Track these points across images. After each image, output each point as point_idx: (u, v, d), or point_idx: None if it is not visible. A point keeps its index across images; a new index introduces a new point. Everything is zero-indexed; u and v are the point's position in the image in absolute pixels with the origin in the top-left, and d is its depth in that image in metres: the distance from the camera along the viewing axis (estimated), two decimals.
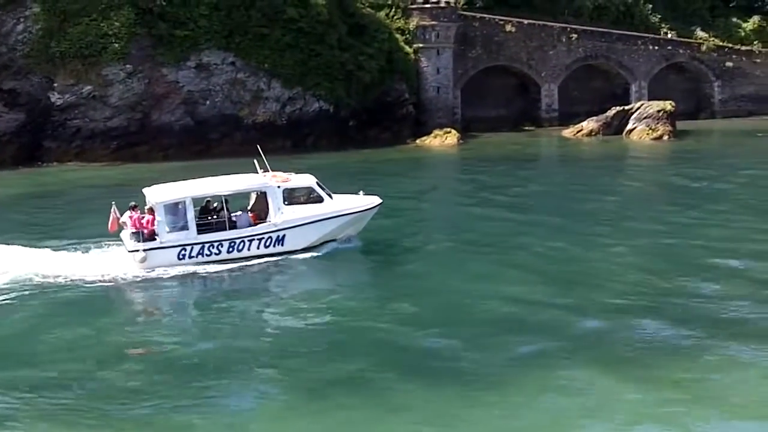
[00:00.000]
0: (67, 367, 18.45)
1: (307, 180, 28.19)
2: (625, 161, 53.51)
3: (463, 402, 16.30)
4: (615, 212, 34.94)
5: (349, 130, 59.21)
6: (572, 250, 28.06)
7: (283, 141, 55.83)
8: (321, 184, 28.15)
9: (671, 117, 62.18)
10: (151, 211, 26.17)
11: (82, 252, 27.16)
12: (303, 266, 26.45)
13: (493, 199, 39.00)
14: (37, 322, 21.32)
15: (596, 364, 18.00)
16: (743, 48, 78.18)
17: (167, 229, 26.01)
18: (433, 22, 63.10)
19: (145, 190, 27.33)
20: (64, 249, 27.26)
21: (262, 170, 28.10)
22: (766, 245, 28.15)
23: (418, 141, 60.43)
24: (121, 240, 26.81)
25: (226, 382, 17.47)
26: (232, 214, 27.06)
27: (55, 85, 51.26)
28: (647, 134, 60.95)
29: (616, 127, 63.25)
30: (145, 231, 25.72)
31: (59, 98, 51.27)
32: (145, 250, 25.46)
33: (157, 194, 26.57)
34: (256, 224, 27.00)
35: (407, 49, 62.77)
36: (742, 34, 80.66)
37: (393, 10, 63.56)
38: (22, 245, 27.07)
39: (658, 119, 61.72)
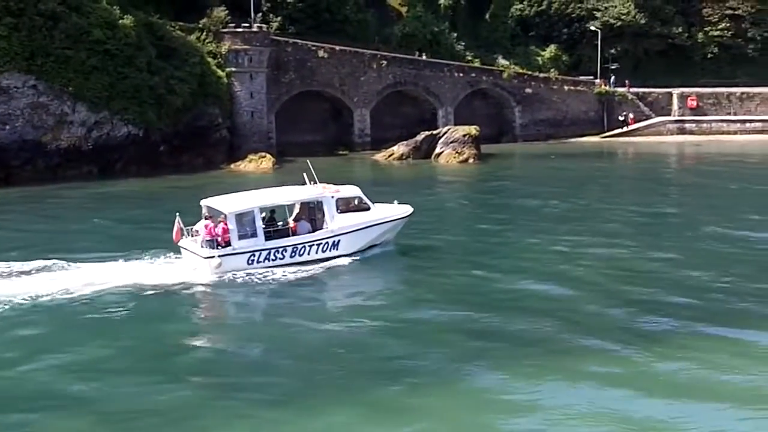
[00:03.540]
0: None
1: (354, 191, 31.03)
2: (433, 183, 55.31)
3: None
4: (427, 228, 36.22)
5: (160, 155, 57.97)
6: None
7: (89, 167, 54.23)
8: (365, 194, 30.93)
9: (476, 141, 64.94)
10: (213, 220, 28.23)
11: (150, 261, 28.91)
12: (355, 268, 28.99)
13: None
14: (147, 326, 22.79)
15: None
16: (541, 75, 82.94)
17: (238, 237, 28.00)
18: (246, 47, 63.10)
19: (204, 202, 29.38)
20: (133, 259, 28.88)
21: (311, 182, 30.48)
22: (547, 257, 30.76)
23: (232, 166, 60.04)
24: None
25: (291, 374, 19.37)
26: (278, 223, 29.62)
27: None
28: (454, 158, 63.33)
29: (425, 150, 65.34)
30: (219, 238, 27.76)
31: None
32: (220, 256, 27.46)
33: (228, 205, 28.74)
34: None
35: (219, 73, 62.40)
36: (540, 62, 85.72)
37: (204, 33, 63.08)
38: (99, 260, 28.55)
39: (464, 143, 64.28)
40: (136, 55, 55.99)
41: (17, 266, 27.83)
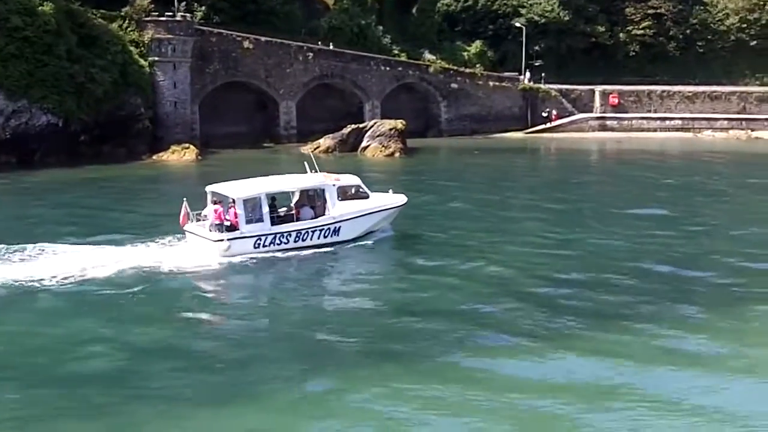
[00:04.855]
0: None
1: (354, 179, 32.47)
2: (360, 177, 55.15)
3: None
4: None
5: (80, 145, 56.74)
6: None
7: (7, 157, 52.79)
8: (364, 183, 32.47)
9: (402, 135, 65.10)
10: (223, 205, 29.48)
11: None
12: (354, 253, 30.48)
13: None
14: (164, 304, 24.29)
15: None
16: (467, 70, 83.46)
17: (246, 221, 29.16)
18: (169, 36, 62.03)
19: (210, 188, 30.36)
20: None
21: (312, 170, 31.53)
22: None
23: (155, 157, 59.07)
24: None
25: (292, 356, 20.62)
26: (279, 209, 30.68)
27: None
28: (380, 151, 63.43)
29: (352, 144, 65.27)
30: (228, 223, 29.04)
31: None
32: (229, 240, 28.59)
33: (236, 190, 29.88)
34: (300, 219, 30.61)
35: (142, 62, 61.25)
36: (466, 57, 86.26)
37: (126, 21, 61.73)
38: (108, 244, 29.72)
39: (390, 137, 64.42)
40: (56, 42, 54.62)
41: None
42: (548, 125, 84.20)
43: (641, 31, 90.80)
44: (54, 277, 25.55)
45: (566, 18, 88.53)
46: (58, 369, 19.45)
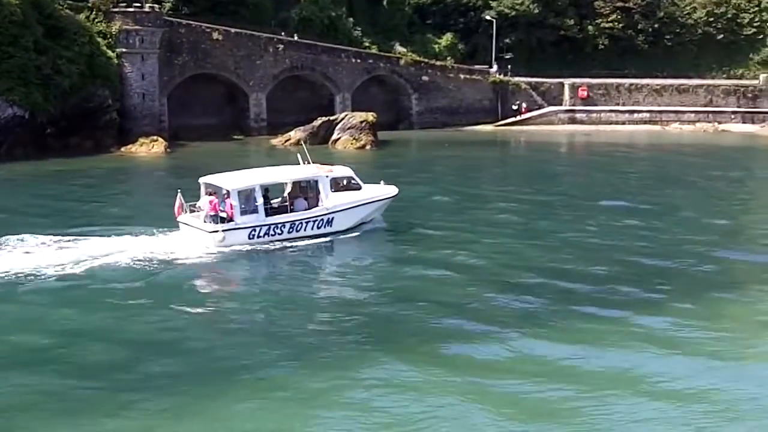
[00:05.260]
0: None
1: (346, 171, 32.78)
2: None
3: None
4: None
5: (47, 137, 56.00)
6: None
7: None
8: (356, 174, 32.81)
9: (373, 127, 64.97)
10: (218, 196, 29.66)
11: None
12: (347, 243, 31.00)
13: None
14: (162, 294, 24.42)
15: None
16: (438, 63, 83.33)
17: (240, 212, 29.45)
18: (137, 27, 61.36)
19: (203, 179, 30.72)
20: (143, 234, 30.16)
21: (305, 162, 31.76)
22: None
23: (123, 149, 58.47)
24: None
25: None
26: (271, 201, 30.80)
27: None
28: (351, 144, 63.27)
29: (323, 136, 65.00)
30: (224, 214, 29.24)
31: None
32: (224, 231, 28.84)
33: (231, 182, 30.17)
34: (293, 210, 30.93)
35: (110, 53, 60.51)
36: (437, 50, 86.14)
37: (94, 12, 60.96)
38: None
39: (361, 129, 64.26)
40: (22, 33, 53.76)
41: None
42: (518, 118, 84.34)
43: (610, 25, 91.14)
44: (40, 270, 25.26)
45: (536, 11, 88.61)
46: (49, 363, 19.32)
